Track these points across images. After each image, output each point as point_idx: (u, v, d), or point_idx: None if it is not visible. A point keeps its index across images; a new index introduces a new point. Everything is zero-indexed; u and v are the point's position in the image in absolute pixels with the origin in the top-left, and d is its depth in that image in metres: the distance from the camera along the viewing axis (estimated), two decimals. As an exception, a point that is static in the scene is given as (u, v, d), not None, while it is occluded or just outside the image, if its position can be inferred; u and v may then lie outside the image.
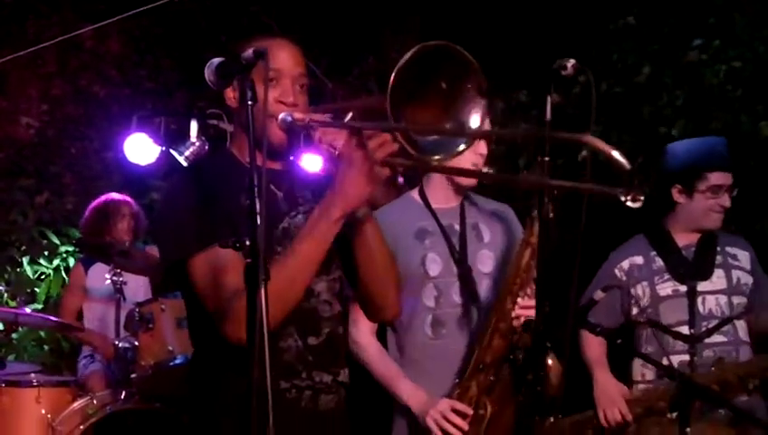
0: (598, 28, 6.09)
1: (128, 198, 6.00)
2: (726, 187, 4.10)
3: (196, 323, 2.67)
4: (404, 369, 3.64)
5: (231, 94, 2.70)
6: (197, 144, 5.74)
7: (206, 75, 2.41)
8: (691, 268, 4.13)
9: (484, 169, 3.57)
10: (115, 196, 6.01)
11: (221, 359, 2.54)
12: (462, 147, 2.38)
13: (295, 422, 2.60)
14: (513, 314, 3.45)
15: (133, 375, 5.05)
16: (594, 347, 4.18)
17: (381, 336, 3.74)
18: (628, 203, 2.04)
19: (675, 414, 3.86)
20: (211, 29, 8.23)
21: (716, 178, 4.09)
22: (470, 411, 3.46)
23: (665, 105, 5.80)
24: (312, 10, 7.60)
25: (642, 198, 2.03)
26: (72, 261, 7.86)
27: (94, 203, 5.98)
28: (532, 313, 3.37)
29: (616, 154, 1.97)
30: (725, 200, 4.10)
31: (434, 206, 3.73)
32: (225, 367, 2.55)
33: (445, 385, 3.55)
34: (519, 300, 3.45)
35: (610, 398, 4.07)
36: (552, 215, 2.31)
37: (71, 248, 8.03)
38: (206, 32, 8.23)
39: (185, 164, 5.67)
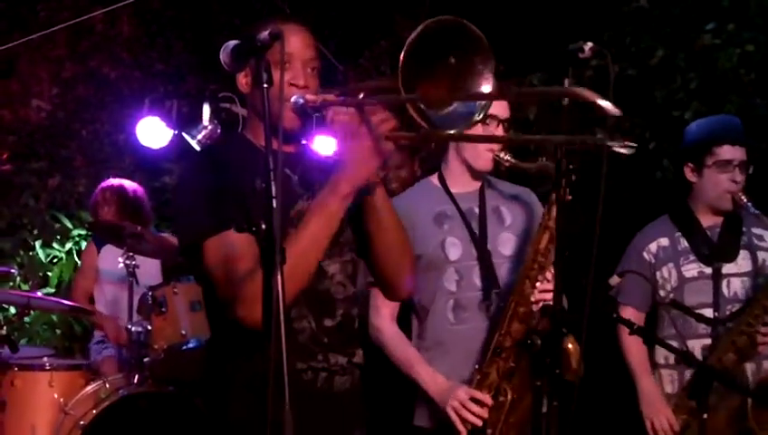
0: (611, 11, 6.06)
1: (119, 182, 5.88)
2: (738, 162, 4.02)
3: (212, 307, 2.68)
4: (427, 354, 3.62)
5: (243, 80, 2.71)
6: (210, 128, 5.74)
7: (221, 58, 2.42)
8: (716, 250, 4.07)
9: (502, 155, 3.54)
10: (105, 182, 5.95)
11: (237, 342, 2.54)
12: (474, 119, 2.39)
13: (311, 403, 2.60)
14: (533, 299, 3.44)
15: (146, 359, 5.05)
16: (635, 352, 4.13)
17: (405, 323, 3.73)
18: (617, 149, 2.05)
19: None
20: (223, 12, 8.21)
21: (725, 151, 4.02)
22: (489, 400, 3.44)
23: (678, 89, 5.77)
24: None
25: (633, 145, 2.05)
26: (84, 245, 7.85)
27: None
28: (550, 296, 3.37)
29: (603, 102, 1.99)
30: (736, 175, 4.01)
31: (453, 190, 3.71)
32: (241, 350, 2.55)
33: (467, 369, 3.54)
34: (538, 284, 3.43)
35: (656, 407, 4.03)
36: (569, 197, 2.32)
37: (83, 232, 8.00)
38: (218, 14, 8.21)
39: (197, 148, 5.67)
